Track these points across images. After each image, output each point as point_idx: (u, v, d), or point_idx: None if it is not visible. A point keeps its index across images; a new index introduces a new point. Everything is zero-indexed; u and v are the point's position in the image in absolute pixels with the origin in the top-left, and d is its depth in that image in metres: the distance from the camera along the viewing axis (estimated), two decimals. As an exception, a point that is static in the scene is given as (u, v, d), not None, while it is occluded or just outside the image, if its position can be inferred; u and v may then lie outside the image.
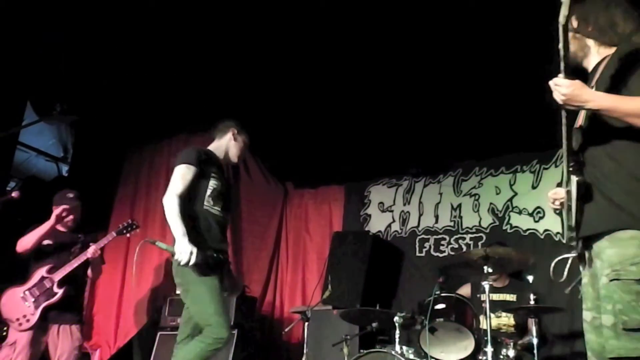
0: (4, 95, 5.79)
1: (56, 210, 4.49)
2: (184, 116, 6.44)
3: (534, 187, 5.49)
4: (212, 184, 3.63)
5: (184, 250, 3.30)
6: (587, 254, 2.33)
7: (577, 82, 2.15)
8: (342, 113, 5.91)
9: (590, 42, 2.42)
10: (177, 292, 3.72)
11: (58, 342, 4.25)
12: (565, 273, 2.55)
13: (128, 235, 4.61)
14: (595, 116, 2.25)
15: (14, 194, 4.39)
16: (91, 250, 4.31)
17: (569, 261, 2.50)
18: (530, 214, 5.45)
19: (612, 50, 2.34)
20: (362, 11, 4.82)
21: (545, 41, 2.70)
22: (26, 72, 5.78)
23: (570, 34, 2.29)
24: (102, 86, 6.06)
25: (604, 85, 2.25)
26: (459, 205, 5.91)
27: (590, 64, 2.44)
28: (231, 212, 3.90)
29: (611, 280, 2.10)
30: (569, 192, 2.30)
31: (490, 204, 5.71)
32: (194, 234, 3.44)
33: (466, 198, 5.88)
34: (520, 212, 5.51)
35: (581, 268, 2.41)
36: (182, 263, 3.30)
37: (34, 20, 5.21)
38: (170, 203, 3.41)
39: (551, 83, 2.19)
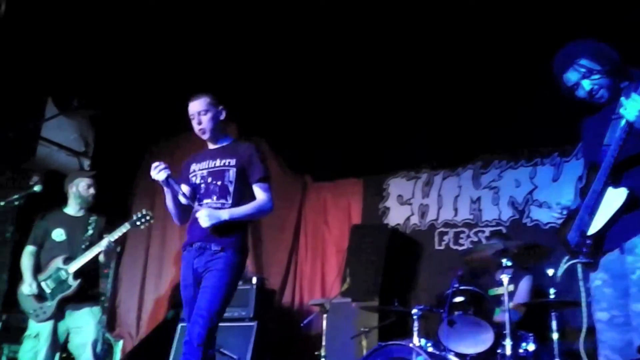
0: (25, 90, 5.87)
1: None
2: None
3: (554, 180, 5.45)
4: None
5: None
6: (602, 258, 2.42)
7: None
8: (361, 106, 5.91)
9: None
10: None
11: (81, 323, 4.23)
12: (560, 274, 2.60)
13: (142, 227, 4.43)
14: (632, 128, 2.31)
15: (36, 188, 4.40)
16: (104, 244, 4.22)
17: (569, 264, 2.53)
18: (551, 207, 5.40)
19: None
20: (378, 5, 4.82)
21: (565, 33, 2.72)
22: (47, 68, 5.84)
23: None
24: (123, 81, 6.10)
25: None
26: (479, 198, 5.89)
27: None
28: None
29: None
30: (594, 205, 2.40)
31: (510, 197, 5.70)
32: None
33: (486, 191, 5.87)
34: (540, 205, 5.49)
35: (592, 273, 2.48)
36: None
37: (55, 15, 5.26)
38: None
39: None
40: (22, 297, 4.32)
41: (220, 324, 4.89)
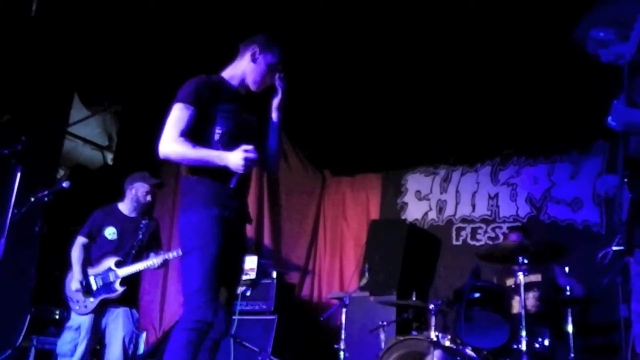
0: (52, 86, 5.99)
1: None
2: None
3: (572, 178, 5.47)
4: (221, 126, 2.83)
5: (235, 160, 2.67)
6: (637, 249, 2.36)
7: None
8: (380, 102, 5.96)
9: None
10: None
11: (119, 324, 4.32)
12: (608, 258, 2.51)
13: None
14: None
15: (65, 184, 4.46)
16: (158, 262, 4.32)
17: (611, 250, 2.49)
18: (569, 204, 5.44)
19: None
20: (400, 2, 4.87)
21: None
22: (73, 63, 5.96)
23: None
24: (146, 75, 6.21)
25: None
26: (496, 195, 5.93)
27: None
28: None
29: None
30: (622, 185, 2.32)
31: (528, 193, 5.73)
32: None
33: (504, 187, 5.91)
34: (558, 202, 5.51)
35: (631, 260, 2.41)
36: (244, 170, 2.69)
37: (82, 12, 5.38)
38: (172, 147, 2.71)
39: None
40: (69, 286, 4.42)
41: (241, 317, 5.07)
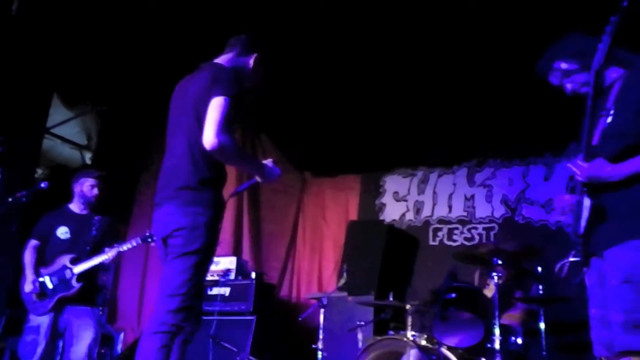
0: (32, 86, 5.95)
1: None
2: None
3: (546, 179, 5.60)
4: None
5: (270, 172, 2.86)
6: (592, 258, 2.47)
7: (594, 164, 2.33)
8: (359, 104, 6.02)
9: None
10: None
11: (80, 323, 4.30)
12: (565, 270, 2.62)
13: (153, 243, 4.25)
14: (607, 137, 2.39)
15: (43, 184, 4.44)
16: (112, 255, 4.29)
17: (567, 262, 2.60)
18: (543, 206, 5.56)
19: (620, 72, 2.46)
20: (379, 3, 4.92)
21: (560, 30, 2.76)
22: (53, 63, 5.93)
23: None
24: (127, 75, 6.20)
25: (627, 110, 2.36)
26: (472, 196, 6.04)
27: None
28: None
29: (622, 283, 2.26)
30: (579, 202, 2.42)
31: (503, 195, 5.84)
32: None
33: (479, 189, 6.02)
34: (532, 204, 5.64)
35: (584, 269, 2.53)
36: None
37: (62, 12, 5.36)
38: (229, 141, 2.61)
39: (571, 166, 2.39)
40: (23, 290, 4.39)
41: (220, 318, 5.09)
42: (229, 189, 3.01)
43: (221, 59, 2.99)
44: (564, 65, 2.53)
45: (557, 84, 2.60)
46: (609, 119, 2.40)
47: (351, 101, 6.02)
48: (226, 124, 2.59)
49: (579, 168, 2.37)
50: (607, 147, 2.37)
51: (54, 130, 7.19)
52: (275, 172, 2.86)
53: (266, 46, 3.08)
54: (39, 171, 7.18)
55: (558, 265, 2.62)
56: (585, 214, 2.39)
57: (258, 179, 2.97)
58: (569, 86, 2.56)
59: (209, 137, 2.56)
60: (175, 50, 5.70)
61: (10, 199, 4.41)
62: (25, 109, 5.86)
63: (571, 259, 2.55)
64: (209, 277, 5.64)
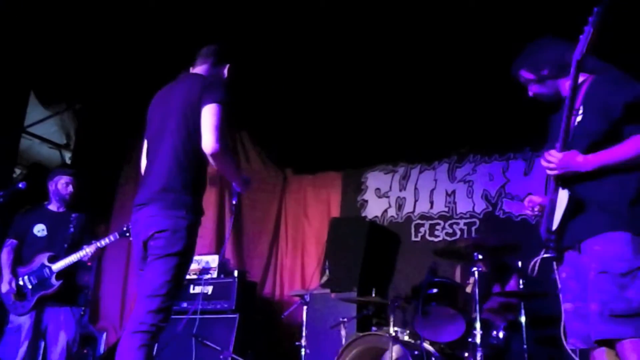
0: (8, 85, 5.89)
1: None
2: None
3: (525, 174, 5.65)
4: None
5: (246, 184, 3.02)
6: (566, 253, 2.53)
7: (568, 153, 2.42)
8: (340, 101, 6.04)
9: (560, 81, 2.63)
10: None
11: (60, 323, 4.27)
12: (537, 269, 2.66)
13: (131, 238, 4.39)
14: (576, 136, 2.47)
15: (21, 185, 4.39)
16: (91, 251, 4.26)
17: (539, 259, 2.64)
18: (522, 200, 5.59)
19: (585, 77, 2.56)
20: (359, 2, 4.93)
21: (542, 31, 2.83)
22: (29, 62, 5.86)
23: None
24: (105, 73, 6.15)
25: (593, 111, 2.46)
26: (454, 192, 6.08)
27: (565, 91, 2.59)
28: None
29: (599, 273, 2.32)
30: (552, 201, 2.50)
31: (484, 190, 5.89)
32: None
33: (460, 184, 6.06)
34: (512, 198, 5.68)
35: (555, 265, 2.60)
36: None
37: (39, 8, 5.29)
38: (227, 149, 2.78)
39: (542, 161, 2.50)
40: (0, 290, 4.35)
41: (203, 316, 5.09)
42: (208, 197, 3.10)
43: (198, 70, 3.11)
44: (524, 74, 2.72)
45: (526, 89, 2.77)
46: (579, 118, 2.51)
47: (331, 98, 6.03)
48: (222, 130, 2.72)
49: (553, 157, 2.44)
50: (576, 145, 2.46)
51: (32, 130, 7.14)
52: (248, 182, 3.02)
53: (236, 55, 3.29)
54: (17, 171, 7.12)
55: (530, 264, 2.67)
56: (560, 210, 2.44)
57: (238, 187, 3.08)
58: (530, 92, 2.76)
59: (210, 142, 2.68)
60: (151, 48, 5.69)
61: (-15, 200, 4.36)
62: (2, 108, 5.79)
63: (543, 256, 2.60)
64: (191, 276, 5.63)
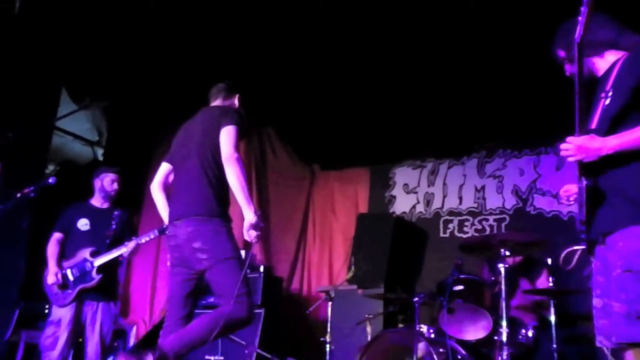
0: (40, 82, 6.00)
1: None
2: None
3: (557, 169, 5.51)
4: None
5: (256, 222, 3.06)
6: (596, 245, 2.39)
7: (584, 138, 2.28)
8: (367, 96, 5.98)
9: (592, 60, 2.50)
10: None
11: (97, 317, 4.42)
12: (575, 261, 2.58)
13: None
14: (605, 119, 2.33)
15: (50, 180, 4.52)
16: (132, 246, 4.44)
17: (579, 251, 2.54)
18: (554, 196, 5.47)
19: (619, 54, 2.42)
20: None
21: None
22: (61, 59, 5.96)
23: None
24: (134, 71, 6.22)
25: (622, 92, 2.31)
26: (483, 187, 5.97)
27: (600, 70, 2.50)
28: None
29: (624, 272, 2.18)
30: (581, 189, 2.36)
31: (514, 185, 5.76)
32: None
33: (490, 180, 5.94)
34: (543, 194, 5.55)
35: (591, 258, 2.46)
36: (253, 237, 3.09)
37: (68, 7, 5.37)
38: (237, 160, 3.10)
39: (563, 145, 2.36)
40: (46, 282, 4.50)
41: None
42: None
43: (214, 104, 3.54)
44: (559, 53, 2.60)
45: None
46: (607, 101, 2.36)
47: (359, 93, 5.98)
48: (238, 145, 3.15)
49: (570, 142, 2.32)
50: (603, 129, 2.32)
51: (65, 127, 7.28)
52: (259, 225, 3.08)
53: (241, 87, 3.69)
54: (51, 167, 7.26)
55: (562, 255, 2.57)
56: (584, 199, 2.33)
57: (247, 224, 3.09)
58: (566, 72, 2.60)
59: (228, 151, 3.09)
60: (179, 47, 5.72)
61: (18, 195, 4.47)
62: (34, 105, 5.91)
63: (576, 247, 2.50)
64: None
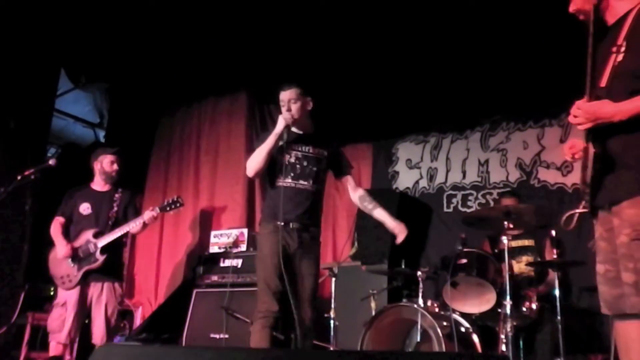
0: (39, 63, 5.96)
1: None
2: (213, 80, 6.56)
3: (562, 141, 5.44)
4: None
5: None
6: (600, 210, 2.32)
7: (594, 104, 2.14)
8: (368, 71, 5.90)
9: None
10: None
11: (102, 298, 4.46)
12: (574, 222, 2.47)
13: (172, 212, 4.66)
14: (617, 77, 2.18)
15: (51, 162, 4.55)
16: (135, 227, 4.49)
17: (577, 214, 2.46)
18: (559, 168, 5.42)
19: (635, 2, 2.23)
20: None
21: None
22: (60, 41, 5.92)
23: None
24: (135, 52, 6.16)
25: (636, 47, 2.14)
26: (487, 161, 5.91)
27: (612, 16, 2.33)
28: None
29: (632, 240, 2.11)
30: (586, 150, 2.25)
31: (518, 158, 5.69)
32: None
33: (494, 153, 5.88)
34: (548, 167, 5.49)
35: (594, 221, 2.38)
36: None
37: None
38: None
39: (572, 111, 2.22)
40: (53, 264, 4.54)
41: (234, 290, 5.12)
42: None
43: None
44: None
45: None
46: (620, 57, 2.18)
47: (359, 68, 5.90)
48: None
49: (579, 108, 2.18)
50: (616, 88, 2.15)
51: (66, 110, 7.26)
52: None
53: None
54: (53, 150, 7.26)
55: (565, 216, 2.49)
56: (590, 162, 2.22)
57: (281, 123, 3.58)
58: (570, 7, 2.41)
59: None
60: (177, 26, 5.66)
61: (19, 177, 4.48)
62: (33, 86, 5.87)
63: (579, 211, 2.40)
64: (220, 249, 5.67)
